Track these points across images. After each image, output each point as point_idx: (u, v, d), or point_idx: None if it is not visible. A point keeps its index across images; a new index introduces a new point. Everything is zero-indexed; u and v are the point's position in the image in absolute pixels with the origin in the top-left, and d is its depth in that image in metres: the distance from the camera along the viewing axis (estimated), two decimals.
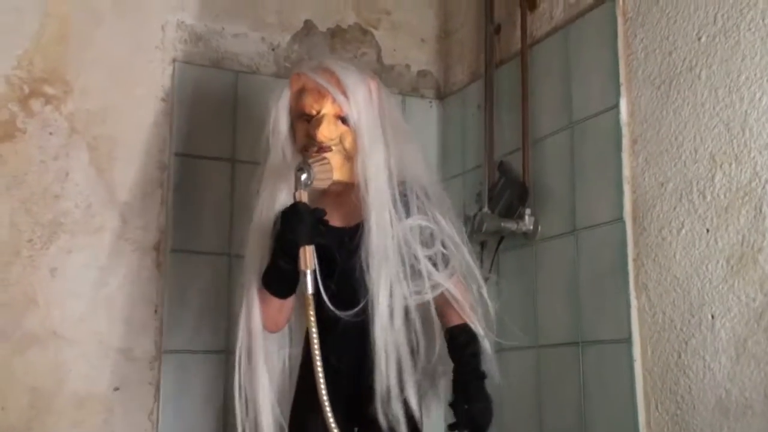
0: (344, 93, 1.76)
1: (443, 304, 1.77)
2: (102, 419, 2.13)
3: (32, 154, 2.16)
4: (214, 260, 2.31)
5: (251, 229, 1.83)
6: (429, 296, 1.74)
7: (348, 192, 1.79)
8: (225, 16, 2.45)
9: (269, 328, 1.79)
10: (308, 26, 2.57)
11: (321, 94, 1.77)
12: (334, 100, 1.76)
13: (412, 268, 1.73)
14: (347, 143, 1.77)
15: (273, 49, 2.51)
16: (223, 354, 2.24)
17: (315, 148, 1.76)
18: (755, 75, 1.65)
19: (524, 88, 2.28)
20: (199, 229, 2.32)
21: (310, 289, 1.65)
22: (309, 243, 1.66)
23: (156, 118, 2.32)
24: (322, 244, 1.70)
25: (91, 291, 2.17)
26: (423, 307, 1.77)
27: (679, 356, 1.77)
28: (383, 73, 2.59)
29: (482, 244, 2.35)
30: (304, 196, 1.68)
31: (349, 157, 1.77)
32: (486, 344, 1.77)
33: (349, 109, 1.76)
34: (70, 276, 2.15)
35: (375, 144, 1.77)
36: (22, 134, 2.15)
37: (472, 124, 2.52)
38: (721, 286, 1.69)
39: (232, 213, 2.35)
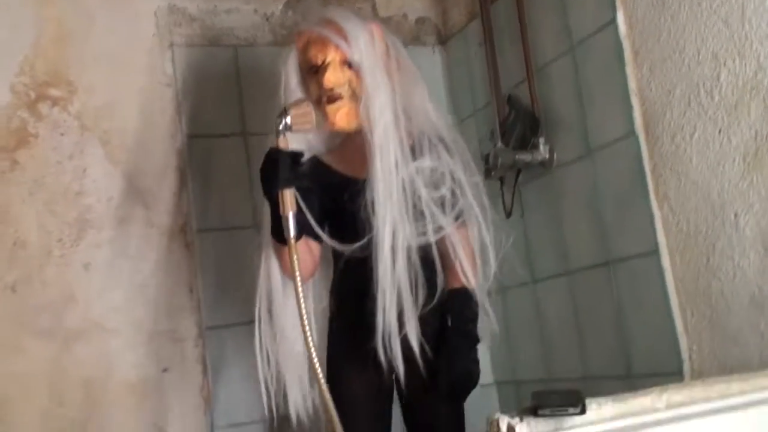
0: (346, 38, 1.78)
1: (445, 253, 1.79)
2: (156, 401, 2.19)
3: (48, 156, 2.20)
4: (240, 234, 2.34)
5: None
6: (432, 238, 1.76)
7: (362, 140, 1.79)
8: None
9: (289, 276, 1.80)
10: None
11: (324, 44, 1.79)
12: (337, 47, 1.78)
13: (415, 209, 1.74)
14: (356, 86, 1.79)
15: (267, 19, 2.51)
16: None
17: (326, 99, 1.78)
18: None
19: (521, 19, 2.26)
20: (221, 206, 2.35)
21: (292, 232, 1.67)
22: (284, 187, 1.68)
23: (163, 104, 2.35)
24: (305, 186, 1.72)
25: (125, 280, 2.22)
26: (426, 250, 1.78)
27: (708, 260, 1.77)
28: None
29: (501, 180, 2.35)
30: (282, 143, 1.69)
31: (359, 101, 1.79)
32: (484, 298, 1.79)
33: (351, 52, 1.77)
34: (103, 269, 2.20)
35: (378, 85, 1.78)
36: (35, 139, 2.19)
37: (477, 63, 2.51)
38: (740, 184, 1.68)
39: (251, 185, 2.36)
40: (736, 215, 1.70)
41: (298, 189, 1.70)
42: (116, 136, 2.28)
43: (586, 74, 2.06)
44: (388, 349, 1.71)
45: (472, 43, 2.53)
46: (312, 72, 1.81)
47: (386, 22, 2.63)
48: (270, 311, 1.82)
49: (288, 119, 1.69)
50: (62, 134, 2.23)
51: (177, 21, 2.40)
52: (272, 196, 1.70)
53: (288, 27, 2.51)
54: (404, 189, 1.74)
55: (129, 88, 2.32)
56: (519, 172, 2.29)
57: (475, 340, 1.79)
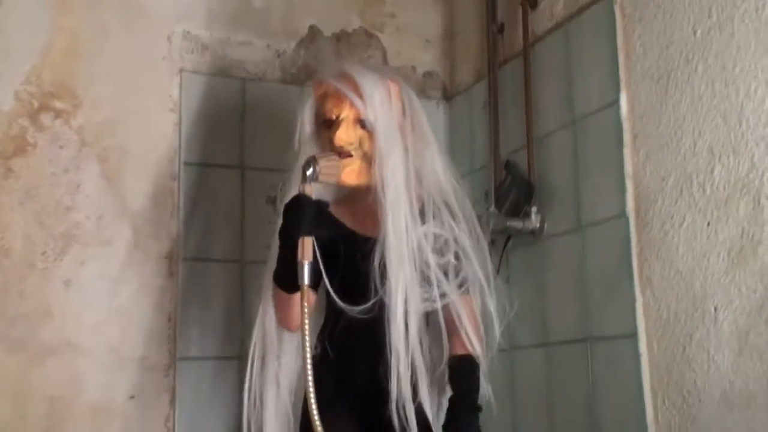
0: (362, 96, 1.79)
1: (449, 320, 1.79)
2: (118, 427, 2.17)
3: (43, 167, 2.20)
4: (226, 267, 2.34)
5: (275, 234, 1.83)
6: (438, 304, 1.76)
7: (373, 199, 1.80)
8: (230, 24, 2.48)
9: (286, 326, 1.82)
10: (313, 32, 2.59)
11: (340, 99, 1.80)
12: (352, 104, 1.79)
13: (422, 275, 1.75)
14: (366, 147, 1.80)
15: (279, 56, 2.54)
16: (237, 360, 2.26)
17: (328, 153, 1.79)
18: (750, 66, 1.65)
19: (527, 86, 2.28)
20: (210, 237, 2.35)
21: (306, 280, 1.67)
22: (307, 234, 1.68)
23: (165, 128, 2.35)
24: (325, 236, 1.72)
25: (104, 301, 2.20)
26: (432, 317, 1.79)
27: (684, 350, 1.77)
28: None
29: (491, 244, 2.35)
30: (308, 190, 1.70)
31: (371, 163, 1.80)
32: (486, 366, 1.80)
33: (365, 112, 1.78)
34: (84, 287, 2.19)
35: (392, 144, 1.78)
36: (32, 148, 2.19)
37: (479, 124, 2.53)
38: (722, 279, 1.69)
39: (243, 220, 2.38)
40: (716, 309, 1.70)
41: (317, 239, 1.70)
42: (114, 155, 2.28)
43: (585, 150, 2.08)
44: (402, 416, 1.69)
45: (477, 104, 2.55)
46: (326, 125, 1.82)
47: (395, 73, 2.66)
48: (263, 357, 1.81)
49: (318, 168, 1.71)
50: (61, 147, 2.23)
51: (189, 48, 2.42)
52: (292, 241, 1.69)
53: (298, 67, 2.53)
54: (413, 254, 1.75)
55: (133, 109, 2.33)
56: (509, 237, 2.30)
57: (479, 409, 1.78)
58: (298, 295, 1.75)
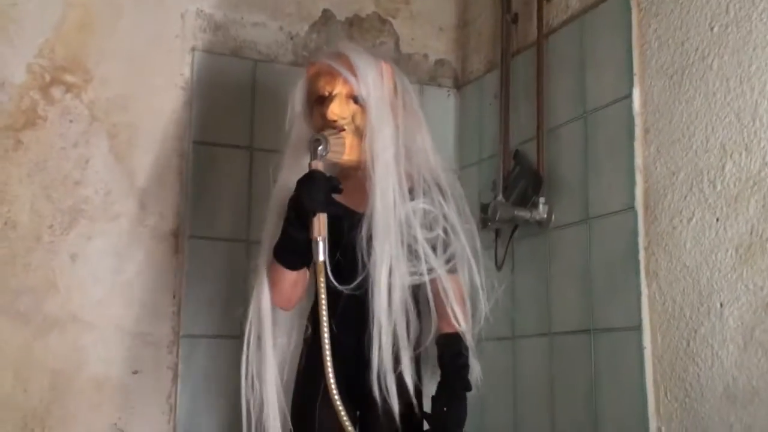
0: (355, 73, 1.81)
1: (436, 295, 1.80)
2: (121, 402, 2.18)
3: (53, 141, 2.20)
4: (231, 246, 2.34)
5: (268, 211, 1.87)
6: (425, 278, 1.77)
7: (363, 174, 1.81)
8: (244, 5, 2.48)
9: (281, 304, 1.82)
10: (326, 15, 2.59)
11: (333, 76, 1.81)
12: (345, 81, 1.80)
13: (410, 249, 1.76)
14: (359, 121, 1.81)
15: (291, 38, 2.53)
16: (240, 339, 2.25)
17: (329, 129, 1.80)
18: (766, 65, 1.65)
19: (539, 78, 2.28)
20: (217, 215, 2.35)
21: (321, 257, 1.68)
22: (323, 210, 1.69)
23: (175, 106, 2.36)
24: (334, 214, 1.73)
25: (110, 276, 2.21)
26: (416, 292, 1.80)
27: (688, 344, 1.78)
28: (401, 62, 2.60)
29: (497, 233, 2.36)
30: (319, 167, 1.72)
31: (362, 138, 1.81)
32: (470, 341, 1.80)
33: (358, 87, 1.80)
34: (90, 261, 2.20)
35: (383, 121, 1.80)
36: (43, 122, 2.20)
37: (489, 114, 2.53)
38: (729, 275, 1.69)
39: (250, 200, 2.38)
40: (721, 305, 1.71)
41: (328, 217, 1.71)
42: (124, 131, 2.29)
43: (595, 143, 2.08)
44: (384, 387, 1.71)
45: (488, 93, 2.55)
46: (318, 102, 1.83)
47: (406, 59, 2.66)
48: (259, 337, 1.81)
49: (327, 146, 1.73)
50: (71, 121, 2.23)
51: (202, 26, 2.42)
52: (306, 217, 1.70)
53: (310, 50, 2.53)
54: (401, 228, 1.76)
55: (144, 86, 2.33)
56: (516, 227, 2.30)
57: (468, 386, 1.78)
58: (297, 273, 1.78)
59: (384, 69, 1.85)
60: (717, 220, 1.73)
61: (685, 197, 1.82)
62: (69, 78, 2.25)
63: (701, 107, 1.79)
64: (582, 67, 2.15)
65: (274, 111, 2.42)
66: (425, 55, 2.71)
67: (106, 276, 2.21)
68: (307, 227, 1.70)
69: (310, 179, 1.71)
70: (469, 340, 1.80)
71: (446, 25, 2.75)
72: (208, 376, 2.25)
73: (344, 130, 1.80)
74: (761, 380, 1.60)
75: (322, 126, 1.81)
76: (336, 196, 1.78)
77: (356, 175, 1.82)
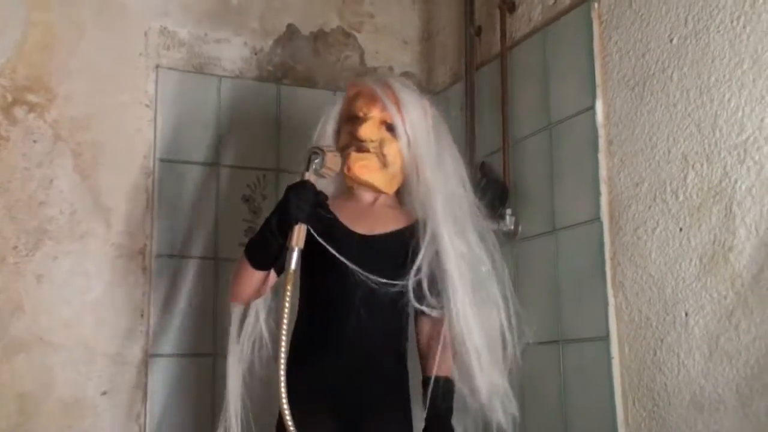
0: (396, 104, 1.83)
1: (432, 336, 1.84)
2: (90, 423, 2.16)
3: (16, 161, 2.18)
4: (199, 264, 2.33)
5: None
6: (434, 313, 1.82)
7: (377, 201, 1.87)
8: (207, 21, 2.48)
9: (235, 298, 1.82)
10: (291, 30, 2.59)
11: (373, 99, 1.83)
12: (384, 108, 1.83)
13: (433, 279, 1.79)
14: (386, 150, 1.83)
15: (256, 54, 2.53)
16: (209, 357, 2.27)
17: (353, 148, 1.82)
18: (724, 76, 1.67)
19: (504, 90, 2.30)
20: (184, 233, 2.34)
21: (293, 266, 1.70)
22: (305, 222, 1.71)
23: (140, 124, 2.34)
24: (317, 230, 1.74)
25: (77, 297, 2.19)
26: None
27: (655, 353, 1.79)
28: (366, 76, 2.61)
29: None
30: (312, 179, 1.74)
31: (386, 166, 1.84)
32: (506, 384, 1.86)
33: (397, 119, 1.82)
34: (56, 282, 2.18)
35: (437, 175, 1.83)
36: (5, 142, 2.17)
37: (455, 125, 2.51)
38: (694, 284, 1.71)
39: (217, 217, 2.38)
40: (686, 314, 1.73)
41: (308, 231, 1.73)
42: (88, 150, 2.27)
43: (560, 154, 2.10)
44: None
45: (454, 106, 2.56)
46: (350, 122, 1.85)
47: (371, 72, 2.66)
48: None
49: (324, 160, 1.74)
50: (35, 141, 2.21)
51: (166, 44, 2.41)
52: (288, 224, 1.71)
53: (275, 64, 2.53)
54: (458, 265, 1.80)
55: (108, 104, 2.31)
56: None
57: (451, 430, 1.81)
58: (262, 273, 1.79)
59: (427, 108, 1.89)
60: (680, 230, 1.76)
61: (649, 208, 1.84)
62: (32, 98, 2.23)
63: (663, 118, 1.82)
64: (546, 79, 2.17)
65: (240, 127, 2.44)
66: (390, 68, 2.72)
67: (73, 296, 2.19)
68: (285, 234, 1.71)
69: (300, 188, 1.72)
70: (499, 380, 1.83)
71: (410, 37, 2.76)
72: (177, 395, 2.24)
73: (369, 151, 1.82)
74: (727, 388, 1.62)
75: (346, 145, 1.84)
76: (338, 214, 1.80)
77: (368, 200, 1.87)
